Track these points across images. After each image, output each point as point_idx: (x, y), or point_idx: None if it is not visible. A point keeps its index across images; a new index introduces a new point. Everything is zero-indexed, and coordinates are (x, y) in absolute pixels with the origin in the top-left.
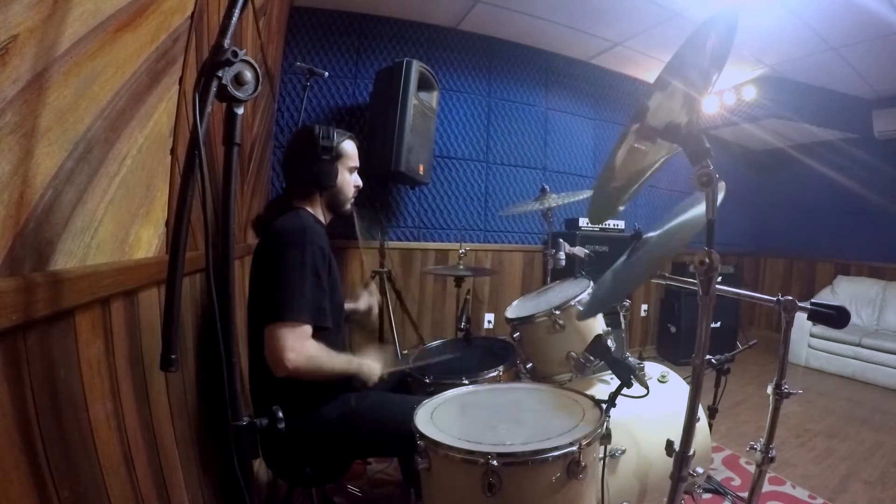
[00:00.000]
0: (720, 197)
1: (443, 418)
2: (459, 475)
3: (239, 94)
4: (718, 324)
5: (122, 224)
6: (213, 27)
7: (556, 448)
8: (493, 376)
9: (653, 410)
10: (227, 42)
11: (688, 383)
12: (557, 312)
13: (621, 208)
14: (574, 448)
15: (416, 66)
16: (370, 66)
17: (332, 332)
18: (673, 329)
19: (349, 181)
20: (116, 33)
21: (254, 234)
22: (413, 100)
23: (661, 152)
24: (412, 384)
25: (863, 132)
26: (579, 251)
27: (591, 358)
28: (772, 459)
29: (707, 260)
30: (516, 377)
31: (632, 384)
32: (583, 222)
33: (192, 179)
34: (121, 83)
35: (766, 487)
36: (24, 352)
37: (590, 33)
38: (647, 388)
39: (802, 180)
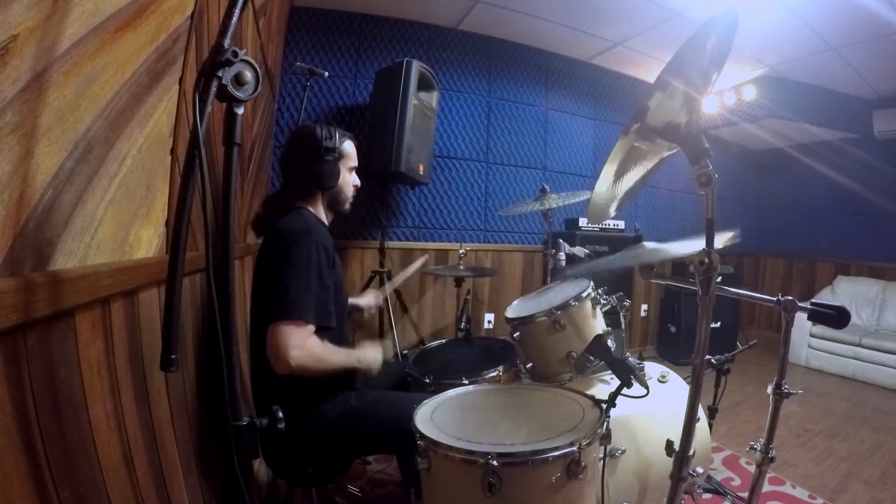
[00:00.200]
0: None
1: (443, 418)
2: (459, 475)
3: (239, 94)
4: (718, 324)
5: (122, 224)
6: (213, 27)
7: (556, 448)
8: (493, 376)
9: (653, 410)
10: (227, 42)
11: (688, 383)
12: (557, 312)
13: (621, 208)
14: (574, 448)
15: (416, 66)
16: (370, 66)
17: (334, 331)
18: (673, 329)
19: (349, 181)
20: (116, 33)
21: (254, 235)
22: (413, 100)
23: (661, 152)
24: (412, 384)
25: (863, 132)
26: (579, 251)
27: (591, 358)
28: (772, 459)
29: (707, 260)
30: (516, 377)
31: (632, 384)
32: (583, 222)
33: (192, 179)
34: (121, 83)
35: (766, 487)
36: (24, 352)
37: (590, 33)
38: (647, 388)
39: (802, 180)
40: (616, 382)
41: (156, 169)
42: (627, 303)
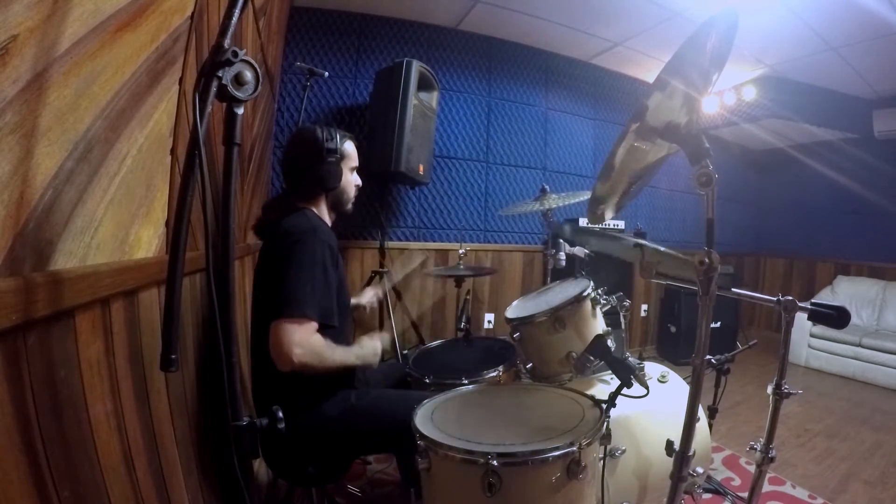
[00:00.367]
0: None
1: (443, 418)
2: (459, 475)
3: (239, 94)
4: (718, 324)
5: (122, 224)
6: (213, 27)
7: (556, 448)
8: (493, 376)
9: (653, 410)
10: (227, 42)
11: (688, 383)
12: (557, 312)
13: (621, 209)
14: (574, 448)
15: (416, 66)
16: (370, 66)
17: (338, 330)
18: (673, 329)
19: (351, 181)
20: (116, 33)
21: (255, 236)
22: (413, 100)
23: (661, 152)
24: (412, 384)
25: (863, 132)
26: (579, 251)
27: (591, 358)
28: (772, 459)
29: (707, 260)
30: (516, 377)
31: (632, 384)
32: (583, 222)
33: (192, 179)
34: (121, 83)
35: (766, 487)
36: (24, 352)
37: (590, 33)
38: (647, 388)
39: (802, 180)
40: (616, 382)
41: (156, 169)
42: (627, 303)
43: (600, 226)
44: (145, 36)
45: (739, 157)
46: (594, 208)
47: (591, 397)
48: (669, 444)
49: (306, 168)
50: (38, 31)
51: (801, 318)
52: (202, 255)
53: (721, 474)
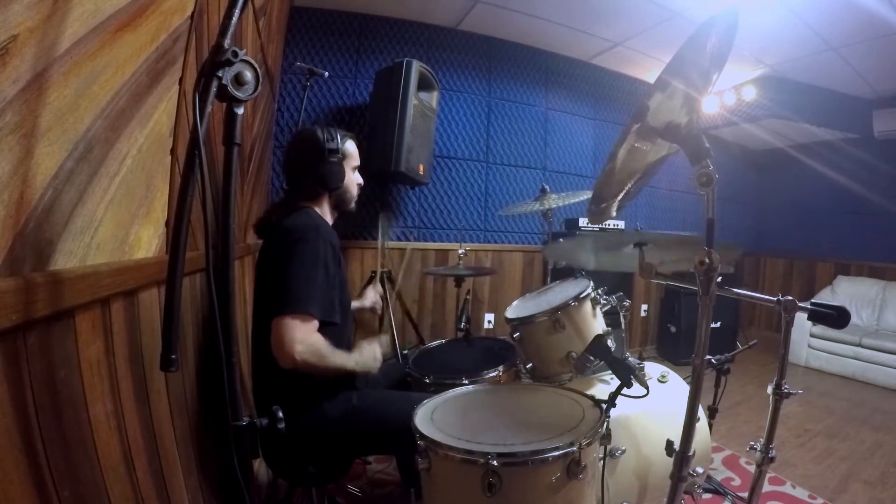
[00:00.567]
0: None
1: (443, 418)
2: (459, 475)
3: (239, 94)
4: (718, 324)
5: (122, 224)
6: (213, 27)
7: (556, 448)
8: (493, 376)
9: (653, 410)
10: (227, 42)
11: (688, 383)
12: (557, 312)
13: (621, 209)
14: (574, 448)
15: (416, 66)
16: (370, 66)
17: (338, 329)
18: (673, 329)
19: (354, 180)
20: (116, 33)
21: (255, 235)
22: (413, 100)
23: (662, 152)
24: (412, 384)
25: (863, 132)
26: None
27: (591, 358)
28: (772, 459)
29: (707, 260)
30: (516, 377)
31: (632, 384)
32: (583, 222)
33: (192, 179)
34: (121, 83)
35: (766, 487)
36: (24, 352)
37: (590, 33)
38: (647, 388)
39: (802, 180)
40: (616, 382)
41: (156, 169)
42: (627, 303)
43: (600, 226)
44: (145, 36)
45: (739, 157)
46: (594, 208)
47: (591, 397)
48: (669, 444)
49: (309, 168)
50: (38, 31)
51: (801, 318)
52: (202, 255)
53: (721, 474)
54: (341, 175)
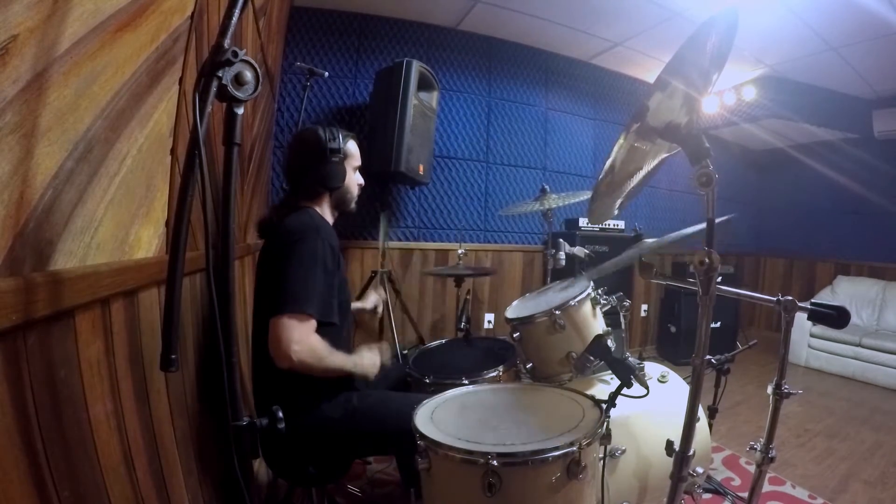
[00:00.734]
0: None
1: (443, 418)
2: (459, 475)
3: (239, 94)
4: (718, 324)
5: (122, 224)
6: (213, 27)
7: (556, 448)
8: (493, 376)
9: (653, 410)
10: (227, 42)
11: (688, 383)
12: (557, 312)
13: (621, 208)
14: (574, 448)
15: (416, 66)
16: (370, 66)
17: (337, 329)
18: (673, 329)
19: (355, 180)
20: (116, 33)
21: (256, 235)
22: (413, 100)
23: (662, 152)
24: (412, 384)
25: (863, 132)
26: (579, 251)
27: (591, 358)
28: (772, 459)
29: (707, 260)
30: (516, 377)
31: (632, 384)
32: (583, 222)
33: (192, 179)
34: (121, 83)
35: (766, 487)
36: (24, 352)
37: (590, 33)
38: (647, 388)
39: (802, 180)
40: (616, 382)
41: (156, 169)
42: (627, 303)
43: (600, 226)
44: (145, 36)
45: (739, 157)
46: (594, 208)
47: (591, 397)
48: (669, 444)
49: (310, 168)
50: (38, 31)
51: (801, 318)
52: (202, 255)
53: (721, 474)
54: (342, 175)
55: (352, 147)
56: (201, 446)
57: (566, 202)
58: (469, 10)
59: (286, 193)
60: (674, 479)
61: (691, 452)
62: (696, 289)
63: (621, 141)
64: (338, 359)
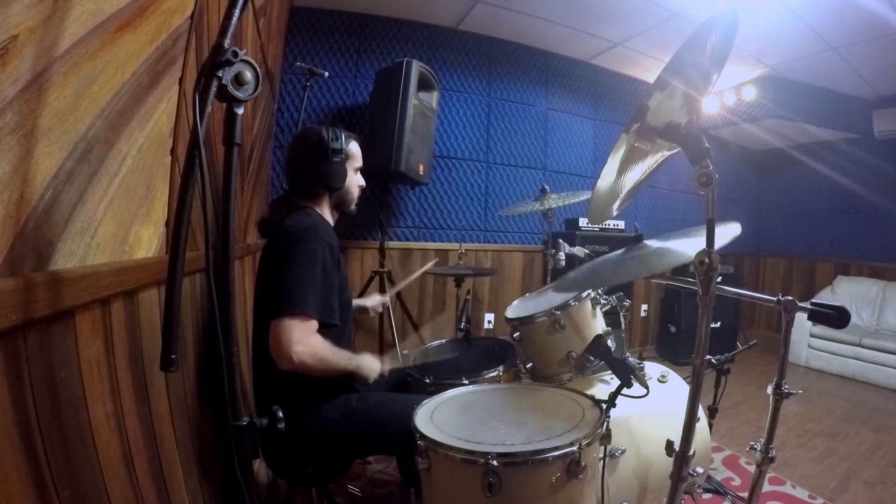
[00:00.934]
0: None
1: (443, 418)
2: (459, 475)
3: (239, 94)
4: (718, 324)
5: (122, 224)
6: (213, 27)
7: (556, 448)
8: (493, 376)
9: (653, 410)
10: (227, 42)
11: (688, 383)
12: (557, 312)
13: (621, 209)
14: (574, 448)
15: (416, 66)
16: (370, 66)
17: (339, 330)
18: (673, 329)
19: (355, 182)
20: (116, 33)
21: (256, 235)
22: (413, 100)
23: (661, 152)
24: (412, 384)
25: (863, 132)
26: (579, 251)
27: (591, 358)
28: (772, 459)
29: (707, 260)
30: (516, 377)
31: (632, 384)
32: (583, 222)
33: (192, 179)
34: (121, 83)
35: (766, 487)
36: (24, 352)
37: (590, 33)
38: (647, 388)
39: (802, 180)
40: (616, 382)
41: (156, 169)
42: (627, 303)
43: (600, 226)
44: (145, 36)
45: (739, 158)
46: (594, 208)
47: (591, 397)
48: (669, 444)
49: (311, 167)
50: (38, 31)
51: (801, 318)
52: (202, 255)
53: (721, 474)
54: (343, 175)
55: (354, 148)
56: (201, 446)
57: (566, 202)
58: (469, 10)
59: (286, 191)
60: (674, 479)
61: (691, 452)
62: (696, 289)
63: (621, 141)
64: (340, 359)
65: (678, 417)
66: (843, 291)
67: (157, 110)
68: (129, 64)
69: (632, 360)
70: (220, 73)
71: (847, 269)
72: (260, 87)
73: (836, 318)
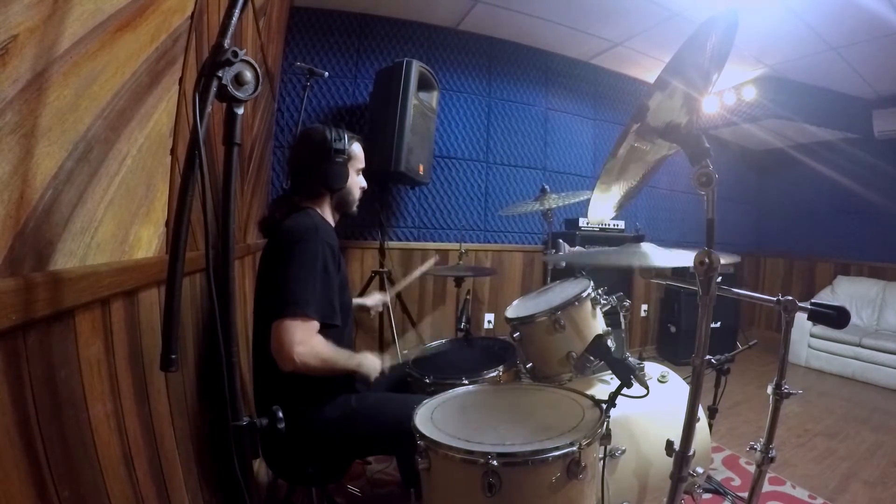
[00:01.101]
0: None
1: (443, 418)
2: (459, 475)
3: (239, 94)
4: (718, 324)
5: (122, 224)
6: (213, 27)
7: (556, 448)
8: (493, 376)
9: (653, 410)
10: (227, 42)
11: (688, 383)
12: (558, 312)
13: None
14: (574, 448)
15: (416, 66)
16: (370, 66)
17: (339, 331)
18: (673, 329)
19: (357, 183)
20: (116, 33)
21: (256, 235)
22: (413, 100)
23: (661, 152)
24: (412, 384)
25: (863, 132)
26: (579, 251)
27: (591, 358)
28: (772, 459)
29: (707, 260)
30: (516, 377)
31: (632, 384)
32: (583, 222)
33: (192, 179)
34: (121, 83)
35: (766, 487)
36: (24, 352)
37: (590, 33)
38: (647, 388)
39: (802, 180)
40: (616, 382)
41: (156, 169)
42: (627, 303)
43: (600, 225)
44: (145, 36)
45: (739, 157)
46: (594, 208)
47: (591, 397)
48: (669, 444)
49: (313, 167)
50: (38, 31)
51: (801, 318)
52: (202, 255)
53: (721, 474)
54: (344, 176)
55: (356, 149)
56: (201, 446)
57: (566, 202)
58: (469, 10)
59: (288, 190)
60: (674, 479)
61: (691, 452)
62: (696, 289)
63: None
64: (341, 358)
65: (678, 417)
66: (843, 291)
67: (157, 110)
68: (129, 64)
69: (632, 360)
70: (220, 73)
71: (847, 269)
72: (260, 87)
73: (835, 318)
